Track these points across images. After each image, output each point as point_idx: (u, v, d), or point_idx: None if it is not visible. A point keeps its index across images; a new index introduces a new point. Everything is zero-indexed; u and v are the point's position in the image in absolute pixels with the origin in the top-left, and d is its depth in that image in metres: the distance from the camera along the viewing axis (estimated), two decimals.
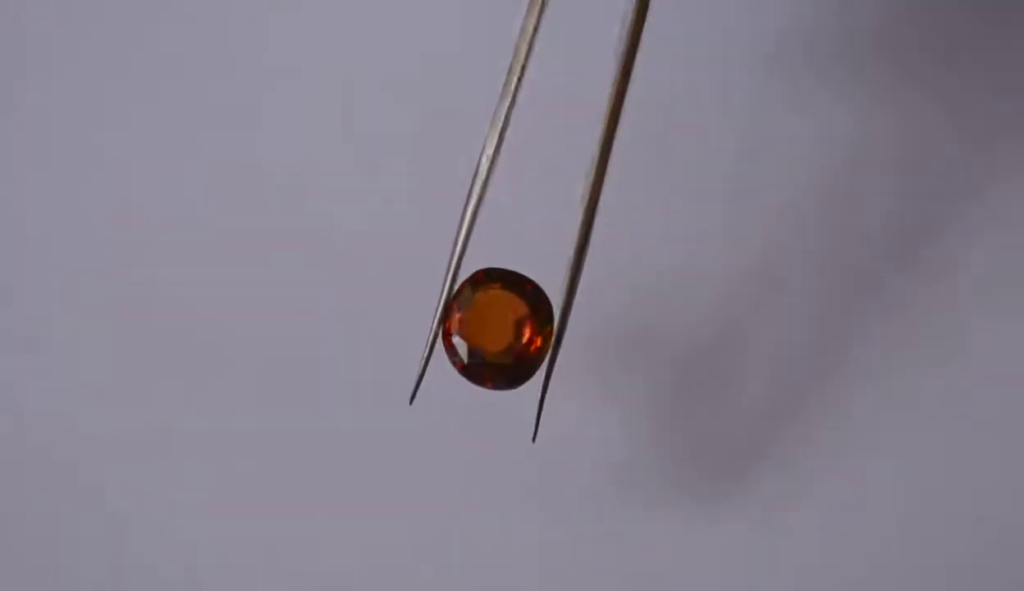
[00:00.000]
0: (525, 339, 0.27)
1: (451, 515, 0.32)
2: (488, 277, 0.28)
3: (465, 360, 0.27)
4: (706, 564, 0.31)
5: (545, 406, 0.28)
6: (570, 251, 0.27)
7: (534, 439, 0.28)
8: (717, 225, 0.33)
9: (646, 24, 0.27)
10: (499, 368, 0.27)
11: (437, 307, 0.28)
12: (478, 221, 0.28)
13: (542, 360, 0.27)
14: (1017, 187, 0.33)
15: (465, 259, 0.28)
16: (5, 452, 0.33)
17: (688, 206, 0.34)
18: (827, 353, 0.33)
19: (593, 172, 0.27)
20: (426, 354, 0.28)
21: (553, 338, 0.27)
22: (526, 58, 0.28)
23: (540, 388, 0.27)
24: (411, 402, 0.28)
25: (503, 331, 0.27)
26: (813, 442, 0.32)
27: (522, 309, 0.27)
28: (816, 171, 0.34)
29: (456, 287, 0.28)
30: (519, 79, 0.28)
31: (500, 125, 0.28)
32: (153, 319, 0.34)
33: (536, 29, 0.28)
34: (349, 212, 0.34)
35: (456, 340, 0.27)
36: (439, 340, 0.28)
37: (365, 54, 0.35)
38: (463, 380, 0.28)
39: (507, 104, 0.27)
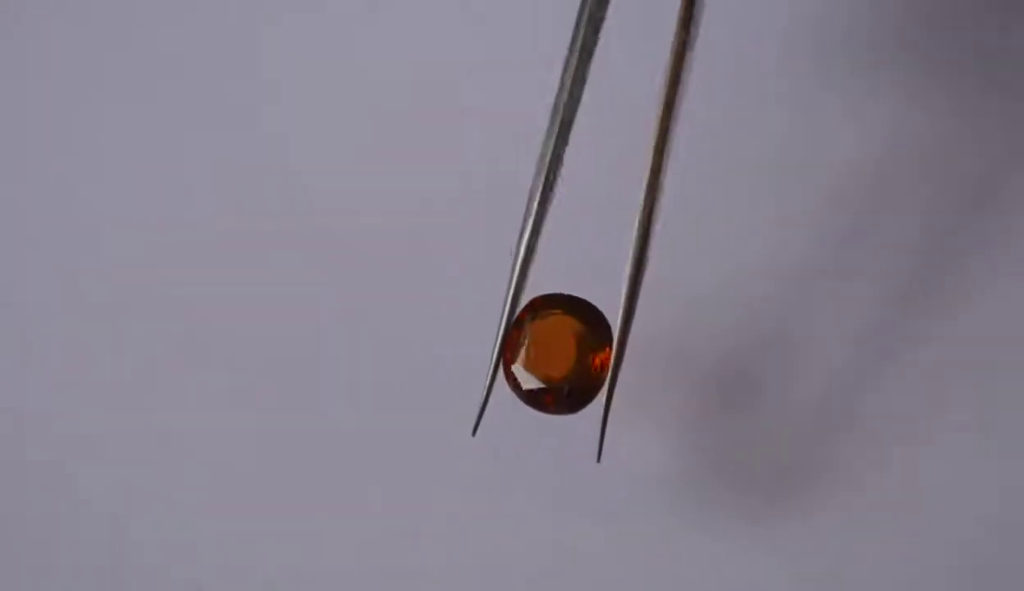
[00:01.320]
0: (586, 363, 0.27)
1: (474, 525, 0.32)
2: (545, 303, 0.28)
3: (527, 388, 0.27)
4: (750, 582, 0.31)
5: (600, 424, 0.27)
6: (626, 269, 0.27)
7: (599, 459, 0.28)
8: (753, 234, 0.33)
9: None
10: (561, 393, 0.27)
11: (496, 336, 0.27)
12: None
13: (603, 382, 0.27)
14: None
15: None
16: (5, 452, 0.33)
17: (721, 215, 0.33)
18: (874, 362, 0.32)
19: (646, 188, 0.27)
20: (488, 384, 0.27)
21: (613, 358, 0.27)
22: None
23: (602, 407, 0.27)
24: (474, 434, 0.28)
25: (564, 356, 0.27)
26: (864, 456, 0.32)
27: (582, 333, 0.27)
28: (860, 172, 0.33)
29: (514, 314, 0.27)
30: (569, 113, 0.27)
31: (548, 158, 0.27)
32: (153, 319, 0.34)
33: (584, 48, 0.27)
34: (353, 212, 0.34)
35: (517, 368, 0.27)
36: (499, 368, 0.28)
37: (373, 54, 0.35)
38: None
39: (556, 130, 0.27)
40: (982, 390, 0.32)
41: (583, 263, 0.29)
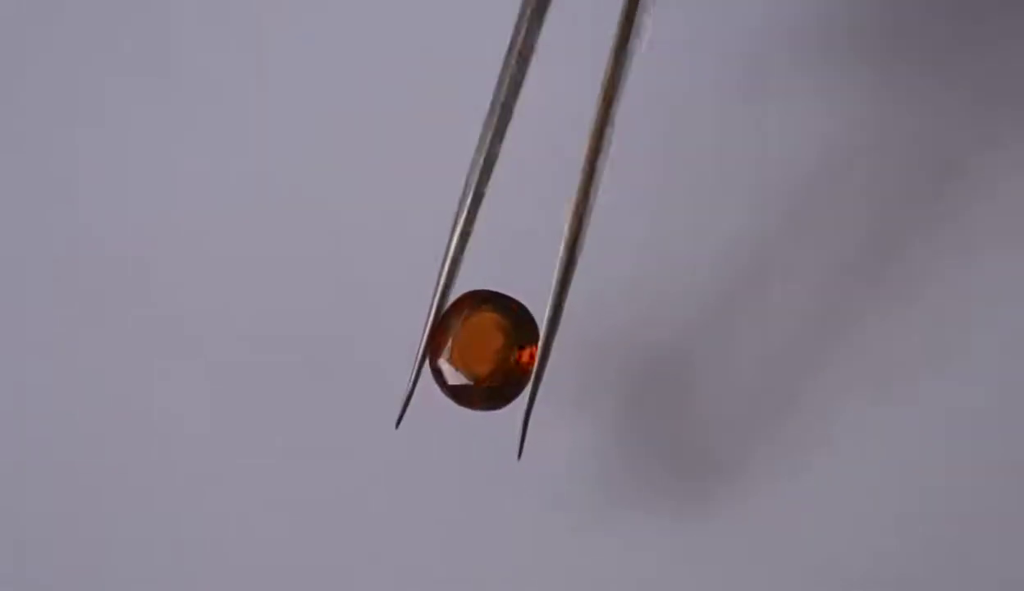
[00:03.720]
0: (512, 360, 0.27)
1: (433, 529, 0.32)
2: (473, 299, 0.28)
3: (452, 384, 0.27)
4: (688, 568, 0.31)
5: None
6: (555, 269, 0.27)
7: (519, 456, 0.28)
8: (688, 224, 0.33)
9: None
10: (487, 390, 0.27)
11: (423, 332, 0.28)
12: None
13: (528, 379, 0.27)
14: (1017, 185, 0.33)
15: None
16: (5, 452, 0.33)
17: (654, 207, 0.33)
18: (812, 353, 0.32)
19: (579, 190, 0.27)
20: (412, 378, 0.28)
21: (539, 356, 0.27)
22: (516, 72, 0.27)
23: (524, 404, 0.27)
24: (397, 426, 0.28)
25: (490, 353, 0.27)
26: (797, 443, 0.32)
27: (508, 330, 0.27)
28: (799, 167, 0.33)
29: (441, 311, 0.27)
30: (506, 98, 0.27)
31: (485, 149, 0.27)
32: (151, 319, 0.34)
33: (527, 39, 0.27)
34: (346, 216, 0.34)
35: (443, 364, 0.27)
36: (425, 364, 0.28)
37: (367, 55, 0.35)
38: (443, 397, 0.28)
39: (493, 123, 0.27)
40: (919, 377, 0.32)
41: (512, 259, 0.29)
